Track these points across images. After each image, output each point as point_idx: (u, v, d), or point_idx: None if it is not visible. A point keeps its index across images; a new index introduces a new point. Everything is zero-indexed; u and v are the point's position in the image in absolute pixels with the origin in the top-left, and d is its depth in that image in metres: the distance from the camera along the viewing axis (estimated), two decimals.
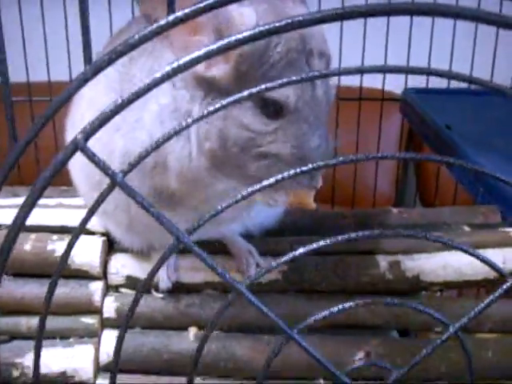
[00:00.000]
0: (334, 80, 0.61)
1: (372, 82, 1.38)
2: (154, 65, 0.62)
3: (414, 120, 1.28)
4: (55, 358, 0.74)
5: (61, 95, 0.42)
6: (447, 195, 1.49)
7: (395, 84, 1.38)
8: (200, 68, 0.57)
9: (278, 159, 0.58)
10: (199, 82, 0.59)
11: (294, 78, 0.45)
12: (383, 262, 0.77)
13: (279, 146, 0.57)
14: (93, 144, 0.64)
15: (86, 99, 0.69)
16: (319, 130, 0.58)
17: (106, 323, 0.76)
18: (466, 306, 0.75)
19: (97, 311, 0.76)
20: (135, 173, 0.61)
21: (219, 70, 0.57)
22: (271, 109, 0.57)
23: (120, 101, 0.35)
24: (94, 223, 0.79)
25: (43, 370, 0.74)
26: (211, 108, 0.56)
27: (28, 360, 0.74)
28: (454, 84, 1.38)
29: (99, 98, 0.67)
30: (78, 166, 0.72)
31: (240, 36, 0.30)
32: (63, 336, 0.76)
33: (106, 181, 0.65)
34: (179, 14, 0.30)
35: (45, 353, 0.74)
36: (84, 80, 0.39)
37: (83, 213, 0.78)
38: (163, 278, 0.75)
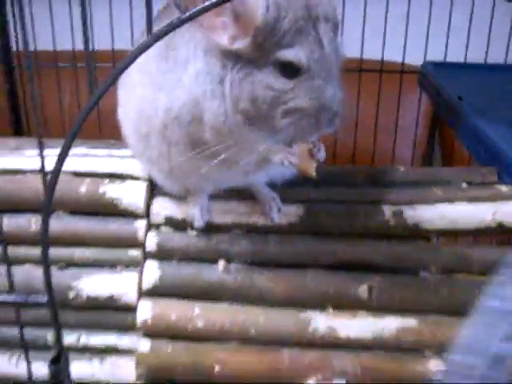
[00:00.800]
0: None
1: (392, 55, 1.45)
2: (192, 36, 0.74)
3: (430, 92, 1.35)
4: (104, 284, 0.87)
5: (127, 58, 0.55)
6: None
7: (415, 58, 1.46)
8: (225, 42, 0.67)
9: (301, 112, 0.68)
10: (227, 54, 0.69)
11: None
12: (388, 210, 0.88)
13: (299, 100, 0.68)
14: (140, 101, 0.77)
15: (136, 64, 0.81)
16: (332, 82, 0.68)
17: (148, 255, 0.88)
18: (457, 252, 0.86)
19: (140, 245, 0.88)
20: (176, 125, 0.74)
21: (240, 43, 0.67)
22: (289, 70, 0.67)
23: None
24: (139, 170, 0.91)
25: (94, 293, 0.87)
26: (239, 74, 0.69)
27: (82, 284, 0.87)
28: (471, 58, 1.45)
29: (148, 62, 0.79)
30: (128, 118, 0.84)
31: None
32: (112, 265, 0.88)
33: (153, 132, 0.78)
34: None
35: (95, 279, 0.88)
36: (146, 47, 0.52)
37: (130, 162, 0.91)
38: (198, 218, 0.87)
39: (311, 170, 0.73)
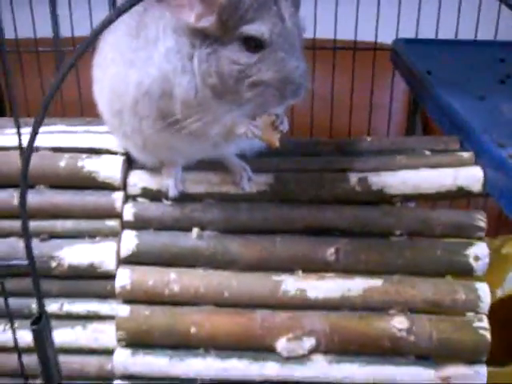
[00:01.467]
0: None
1: (365, 35, 1.48)
2: (161, 15, 0.78)
3: (402, 68, 1.38)
4: (85, 253, 0.91)
5: (90, 35, 0.59)
6: None
7: (388, 37, 1.48)
8: (191, 21, 0.71)
9: (265, 84, 0.72)
10: (195, 32, 0.73)
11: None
12: (354, 178, 0.91)
13: (263, 73, 0.71)
14: (113, 78, 0.81)
15: (109, 43, 0.85)
16: (295, 55, 0.71)
17: (125, 225, 0.91)
18: (419, 215, 0.90)
19: (118, 216, 0.92)
20: (146, 100, 0.78)
21: (206, 21, 0.71)
22: (252, 45, 0.70)
23: None
24: (116, 145, 0.95)
25: (75, 262, 0.91)
26: (207, 51, 0.73)
27: (63, 253, 0.91)
28: (442, 35, 1.48)
29: (120, 41, 0.83)
30: (103, 95, 0.88)
31: None
32: (91, 235, 0.92)
33: (125, 108, 0.82)
34: None
35: (76, 248, 0.91)
36: (109, 21, 0.56)
37: (108, 138, 0.95)
38: (172, 188, 0.90)
39: (274, 140, 0.78)
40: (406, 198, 0.92)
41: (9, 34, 1.45)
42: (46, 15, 1.35)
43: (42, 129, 1.01)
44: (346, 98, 1.52)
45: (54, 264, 0.91)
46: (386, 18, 1.45)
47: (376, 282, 0.88)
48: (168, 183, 0.91)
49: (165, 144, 0.85)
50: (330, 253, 0.88)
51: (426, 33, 1.49)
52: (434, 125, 1.59)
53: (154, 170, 0.93)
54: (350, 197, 0.91)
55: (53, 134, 0.97)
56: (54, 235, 0.93)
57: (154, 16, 0.79)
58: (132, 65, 0.80)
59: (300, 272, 0.89)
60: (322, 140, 1.01)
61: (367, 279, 0.87)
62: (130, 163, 0.95)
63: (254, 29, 0.70)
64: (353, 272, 0.89)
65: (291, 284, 0.87)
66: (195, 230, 0.89)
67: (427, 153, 0.96)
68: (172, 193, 0.90)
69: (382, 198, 0.91)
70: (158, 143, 0.85)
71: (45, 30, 1.45)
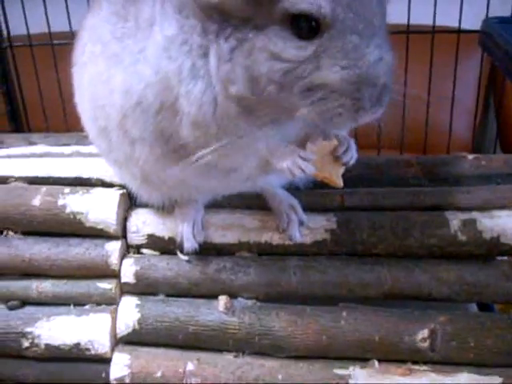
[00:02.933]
0: None
1: (447, 19, 1.22)
2: None
3: (496, 53, 1.13)
4: (69, 328, 0.67)
5: None
6: None
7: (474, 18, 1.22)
8: None
9: (329, 90, 0.46)
10: (209, 13, 0.48)
11: None
12: (454, 219, 0.66)
13: (326, 72, 0.46)
14: (93, 81, 0.54)
15: (88, 28, 0.59)
16: (376, 39, 0.46)
17: (124, 289, 0.68)
18: None
19: (114, 275, 0.68)
20: (138, 114, 0.50)
21: None
22: (305, 27, 0.45)
23: None
24: (112, 173, 0.70)
25: (55, 341, 0.68)
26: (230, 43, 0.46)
27: (39, 329, 0.67)
28: None
29: (99, 25, 0.57)
30: (83, 106, 0.62)
31: None
32: (78, 303, 0.69)
33: (111, 126, 0.55)
34: None
35: (57, 322, 0.68)
36: None
37: (102, 162, 0.69)
38: (188, 237, 0.66)
39: (335, 177, 0.54)
40: None
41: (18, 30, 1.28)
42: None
43: (15, 151, 0.78)
44: (419, 90, 1.25)
45: (25, 343, 0.67)
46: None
47: (492, 380, 0.61)
48: (182, 231, 0.64)
49: (171, 177, 0.59)
50: (421, 336, 0.62)
51: None
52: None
53: (163, 210, 0.68)
54: (450, 249, 0.65)
55: (29, 159, 0.72)
56: (27, 301, 0.69)
57: None
58: (117, 61, 0.54)
59: (376, 363, 0.63)
60: (402, 159, 0.74)
61: (477, 375, 0.62)
62: (132, 199, 0.70)
63: (306, 1, 0.43)
64: (456, 364, 0.62)
65: (363, 379, 0.63)
66: (222, 299, 0.65)
67: None
68: (189, 245, 0.66)
69: (498, 251, 0.65)
70: (162, 176, 0.59)
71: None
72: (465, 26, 1.26)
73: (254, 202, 0.67)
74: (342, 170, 0.53)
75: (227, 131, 0.50)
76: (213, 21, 0.48)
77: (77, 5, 1.18)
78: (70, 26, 1.23)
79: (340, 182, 0.53)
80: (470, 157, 0.73)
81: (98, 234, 0.68)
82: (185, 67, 0.49)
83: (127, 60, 0.53)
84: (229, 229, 0.66)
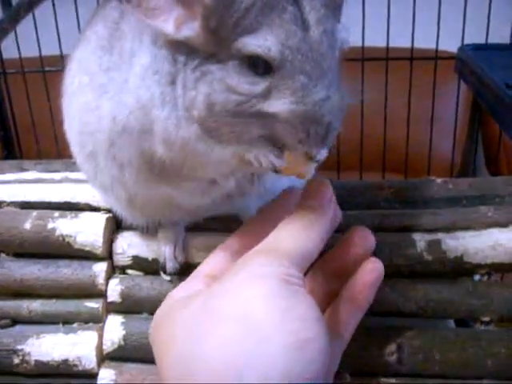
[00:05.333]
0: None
1: (425, 42, 1.26)
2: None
3: (470, 79, 1.14)
4: (57, 346, 0.69)
5: None
6: None
7: (451, 43, 1.25)
8: (169, 30, 0.50)
9: (277, 120, 0.50)
10: (178, 45, 0.51)
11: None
12: (421, 240, 0.67)
13: (275, 104, 0.49)
14: (81, 109, 0.58)
15: (76, 60, 0.63)
16: (324, 80, 0.49)
17: (110, 308, 0.69)
18: None
19: (101, 295, 0.70)
20: (125, 139, 0.54)
21: (188, 29, 0.50)
22: (260, 64, 0.49)
23: None
24: (99, 198, 0.73)
25: (44, 358, 0.69)
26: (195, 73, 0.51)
27: (30, 346, 0.69)
28: None
29: (87, 57, 0.60)
30: (72, 133, 0.66)
31: None
32: (66, 321, 0.70)
33: (99, 151, 0.59)
34: None
35: (47, 340, 0.69)
36: None
37: (89, 188, 0.72)
38: (170, 258, 0.68)
39: (306, 172, 0.55)
40: (497, 269, 0.66)
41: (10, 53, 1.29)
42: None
43: (7, 177, 0.82)
44: (400, 113, 1.28)
45: (16, 360, 0.68)
46: (446, 21, 1.22)
47: None
48: (165, 252, 0.67)
49: (157, 198, 0.63)
50: (389, 350, 0.64)
51: (497, 37, 1.25)
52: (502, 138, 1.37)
53: (148, 231, 0.71)
54: (417, 268, 0.67)
55: (21, 185, 0.75)
56: (18, 320, 0.71)
57: (131, 22, 0.56)
58: (104, 91, 0.57)
59: (348, 376, 0.64)
60: (374, 183, 0.76)
61: None
62: (117, 222, 0.72)
63: (254, 42, 0.48)
64: (422, 377, 0.64)
65: None
66: None
67: None
68: (171, 265, 0.68)
69: (462, 270, 0.67)
70: (149, 199, 0.63)
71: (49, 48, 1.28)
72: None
73: (233, 226, 0.70)
74: (313, 167, 0.54)
75: (192, 150, 0.54)
76: (181, 52, 0.51)
77: (67, 29, 1.22)
78: (61, 50, 1.26)
79: (309, 175, 0.55)
80: (439, 180, 0.76)
81: (86, 256, 0.70)
82: (156, 95, 0.53)
83: (113, 90, 0.56)
84: (209, 250, 0.68)
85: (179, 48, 0.51)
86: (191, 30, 0.50)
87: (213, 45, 0.50)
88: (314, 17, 0.49)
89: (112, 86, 0.57)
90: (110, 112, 0.57)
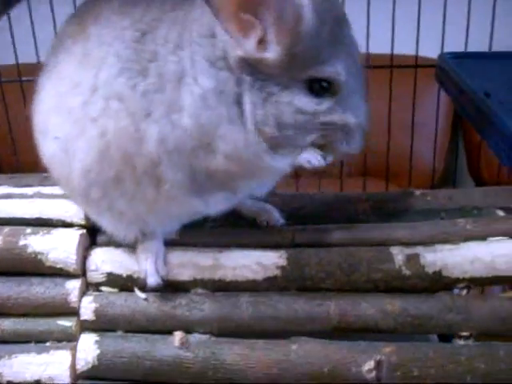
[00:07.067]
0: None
1: (404, 49, 1.26)
2: (180, 39, 0.58)
3: (450, 88, 1.14)
4: (30, 365, 0.67)
5: None
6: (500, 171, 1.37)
7: (431, 50, 1.25)
8: (249, 48, 0.55)
9: (334, 128, 0.59)
10: (244, 64, 0.56)
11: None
12: (399, 255, 0.66)
13: (335, 119, 0.58)
14: (117, 135, 0.56)
15: (99, 85, 0.61)
16: (364, 97, 0.60)
17: (83, 326, 0.68)
18: (496, 309, 0.64)
19: (74, 313, 0.68)
20: (174, 158, 0.58)
21: (271, 51, 0.55)
22: (317, 87, 0.57)
23: None
24: (73, 213, 0.71)
25: (17, 378, 0.67)
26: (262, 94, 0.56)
27: (1, 367, 0.67)
28: (497, 47, 1.25)
29: (110, 82, 0.60)
30: (80, 162, 0.63)
31: None
32: (39, 340, 0.69)
33: (130, 174, 0.60)
34: None
35: (19, 360, 0.68)
36: None
37: (62, 203, 0.71)
38: (152, 273, 0.66)
39: None
40: (476, 283, 0.66)
41: None
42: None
43: None
44: (380, 121, 1.27)
45: None
46: (426, 29, 1.22)
47: None
48: (146, 266, 0.66)
49: (178, 211, 0.67)
50: (368, 367, 0.62)
51: (476, 45, 1.25)
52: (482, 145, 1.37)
53: (124, 246, 0.69)
54: (395, 283, 0.66)
55: None
56: None
57: (168, 39, 0.59)
58: (146, 114, 0.59)
59: None
60: (353, 195, 0.76)
61: None
62: (92, 238, 0.71)
63: (330, 70, 0.57)
64: None
65: None
66: (178, 335, 0.66)
67: (500, 213, 0.70)
68: (152, 280, 0.67)
69: (441, 285, 0.66)
70: (168, 211, 0.66)
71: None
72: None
73: (209, 240, 0.69)
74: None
75: (257, 164, 0.59)
76: (245, 73, 0.56)
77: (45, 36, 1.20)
78: (38, 57, 1.24)
79: None
80: (417, 192, 0.75)
81: (59, 273, 0.68)
82: (222, 114, 0.57)
83: (158, 112, 0.58)
84: (184, 267, 0.67)
85: (243, 67, 0.56)
86: (274, 52, 0.55)
87: (283, 68, 0.55)
88: (353, 45, 0.59)
89: (155, 108, 0.58)
90: (158, 134, 0.58)
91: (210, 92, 0.57)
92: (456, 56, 1.18)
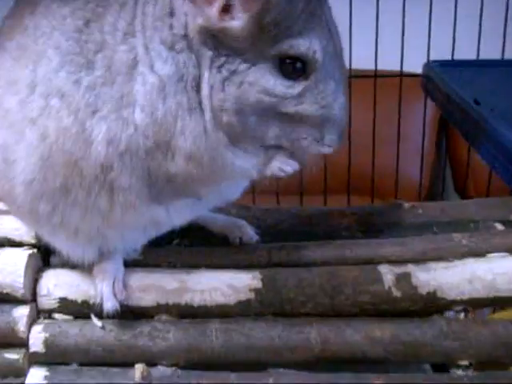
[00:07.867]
0: None
1: (389, 64, 1.26)
2: (132, 25, 0.52)
3: (438, 96, 1.11)
4: None
5: None
6: (484, 185, 1.34)
7: (416, 63, 1.22)
8: (213, 16, 0.49)
9: (303, 121, 0.53)
10: (206, 38, 0.51)
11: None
12: (388, 274, 0.61)
13: (306, 108, 0.53)
14: (59, 137, 0.49)
15: (21, 81, 0.55)
16: (342, 86, 0.54)
17: (32, 359, 0.61)
18: (497, 334, 0.57)
19: (22, 344, 0.61)
20: (126, 161, 0.52)
21: (237, 19, 0.49)
22: (292, 68, 0.51)
23: None
24: (23, 231, 0.64)
25: None
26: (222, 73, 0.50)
27: None
28: (484, 55, 1.24)
29: (48, 77, 0.53)
30: (20, 170, 0.56)
31: None
32: None
33: (77, 182, 0.54)
34: None
35: None
36: None
37: (10, 220, 0.64)
38: (108, 297, 0.60)
39: None
40: (475, 305, 0.60)
41: None
42: None
43: None
44: (364, 133, 1.24)
45: None
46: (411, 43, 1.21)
47: None
48: (102, 290, 0.60)
49: (138, 222, 0.59)
50: None
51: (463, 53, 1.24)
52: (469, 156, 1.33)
53: (80, 268, 0.62)
54: (384, 306, 0.60)
55: None
56: None
57: (117, 27, 0.53)
58: (91, 111, 0.53)
59: None
60: (335, 210, 0.70)
61: None
62: (45, 258, 0.65)
63: (305, 45, 0.51)
64: None
65: None
66: (139, 368, 0.59)
67: (499, 227, 0.64)
68: (109, 305, 0.60)
69: (435, 307, 0.60)
70: (127, 222, 0.58)
71: None
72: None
73: (175, 260, 0.63)
74: None
75: (219, 162, 0.54)
76: (208, 47, 0.51)
77: None
78: None
79: None
80: (407, 205, 0.70)
81: (5, 299, 0.61)
82: (181, 103, 0.51)
83: (106, 108, 0.52)
84: (146, 290, 0.60)
85: (206, 42, 0.50)
86: (239, 20, 0.49)
87: (250, 41, 0.50)
88: (333, 26, 0.53)
89: (103, 104, 0.52)
90: (106, 132, 0.52)
91: (167, 79, 0.51)
92: (443, 64, 1.17)
